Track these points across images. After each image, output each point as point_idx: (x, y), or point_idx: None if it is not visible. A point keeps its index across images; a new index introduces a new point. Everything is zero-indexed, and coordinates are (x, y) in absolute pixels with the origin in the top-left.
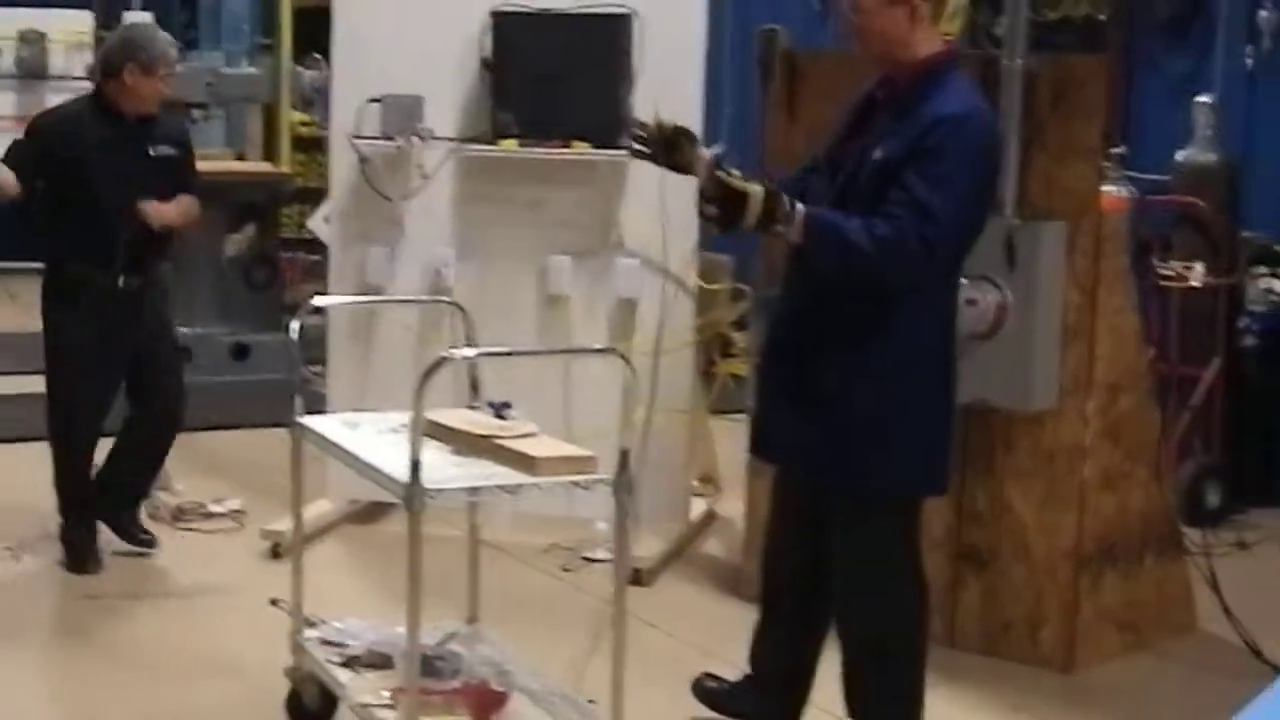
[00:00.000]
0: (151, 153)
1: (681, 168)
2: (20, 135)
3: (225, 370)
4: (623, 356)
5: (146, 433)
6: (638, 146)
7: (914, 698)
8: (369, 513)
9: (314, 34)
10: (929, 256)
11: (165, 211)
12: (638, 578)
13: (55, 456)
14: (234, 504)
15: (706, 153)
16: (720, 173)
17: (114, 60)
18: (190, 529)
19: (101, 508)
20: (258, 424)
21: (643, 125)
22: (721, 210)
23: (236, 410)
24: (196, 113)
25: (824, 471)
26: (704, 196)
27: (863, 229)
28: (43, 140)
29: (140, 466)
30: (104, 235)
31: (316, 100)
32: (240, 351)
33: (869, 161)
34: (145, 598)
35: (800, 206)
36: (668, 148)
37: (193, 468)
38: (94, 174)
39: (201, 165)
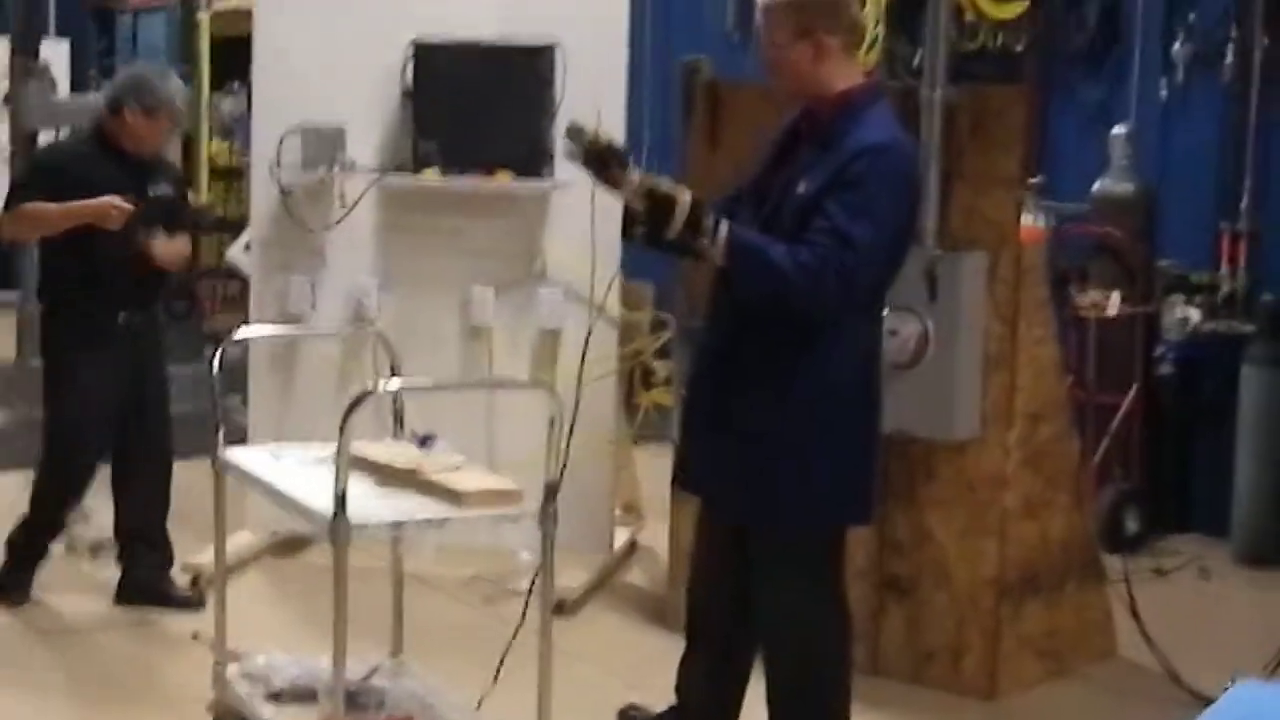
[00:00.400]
0: (151, 192)
1: (610, 182)
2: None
3: None
4: (551, 390)
5: (144, 480)
6: (572, 147)
7: None
8: (290, 544)
9: (232, 63)
10: (848, 286)
11: (170, 250)
12: (561, 608)
13: (43, 491)
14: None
15: (636, 176)
16: (647, 177)
17: (117, 97)
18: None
19: (138, 574)
20: (176, 455)
21: (580, 131)
22: (648, 215)
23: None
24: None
25: (746, 505)
26: (631, 216)
27: (786, 254)
28: (50, 179)
29: (153, 516)
30: (108, 273)
31: (235, 129)
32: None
33: (792, 195)
34: (67, 631)
35: (725, 224)
36: (600, 162)
37: (111, 500)
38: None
39: None
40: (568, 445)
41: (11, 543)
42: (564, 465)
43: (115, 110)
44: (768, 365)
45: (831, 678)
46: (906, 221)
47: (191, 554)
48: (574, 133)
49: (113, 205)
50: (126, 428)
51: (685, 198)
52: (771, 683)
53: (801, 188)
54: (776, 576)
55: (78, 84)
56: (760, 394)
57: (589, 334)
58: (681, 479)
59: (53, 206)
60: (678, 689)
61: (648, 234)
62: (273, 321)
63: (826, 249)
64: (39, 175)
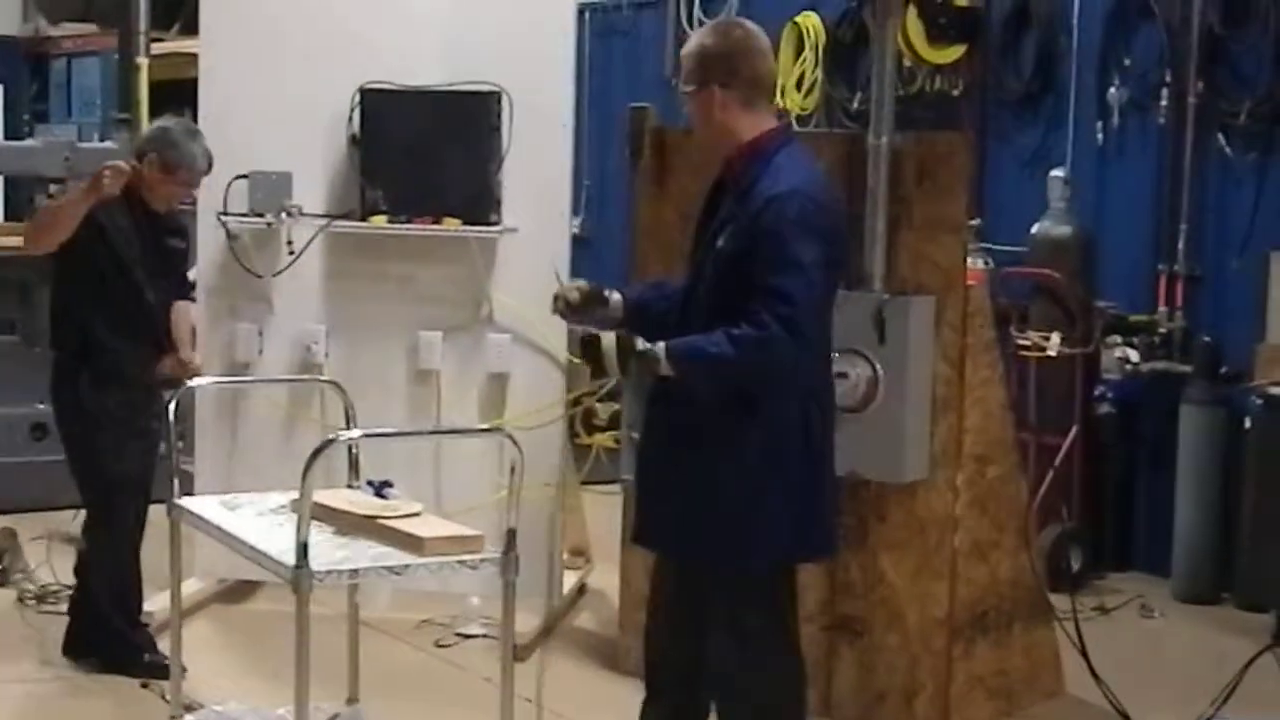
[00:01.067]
0: (167, 244)
1: (603, 324)
2: None
3: None
4: (510, 437)
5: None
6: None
7: None
8: (237, 591)
9: (171, 107)
10: (795, 337)
11: (193, 360)
12: (514, 653)
13: (94, 555)
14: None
15: (618, 299)
16: (565, 311)
17: (141, 148)
18: (56, 612)
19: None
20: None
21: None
22: (589, 362)
23: None
24: (54, 187)
25: (699, 547)
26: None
27: (724, 339)
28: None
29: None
30: (129, 320)
31: None
32: None
33: (714, 250)
34: (16, 681)
35: (660, 344)
36: (582, 313)
37: (52, 549)
38: (119, 258)
39: None
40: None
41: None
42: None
43: (139, 159)
44: (713, 418)
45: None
46: (828, 259)
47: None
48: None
49: (106, 170)
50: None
51: (610, 336)
52: None
53: (720, 242)
54: (730, 623)
55: (10, 129)
56: (710, 441)
57: (536, 379)
58: (639, 537)
59: (61, 200)
60: None
61: (594, 375)
62: (220, 369)
63: (763, 312)
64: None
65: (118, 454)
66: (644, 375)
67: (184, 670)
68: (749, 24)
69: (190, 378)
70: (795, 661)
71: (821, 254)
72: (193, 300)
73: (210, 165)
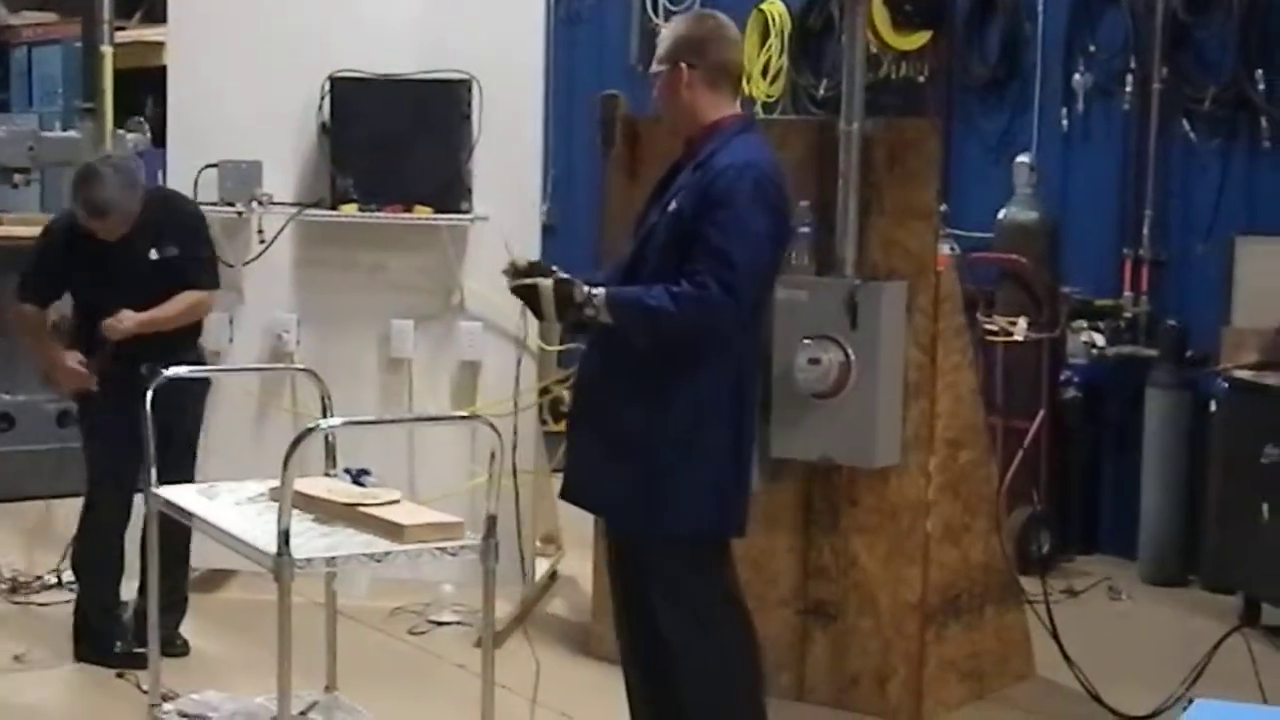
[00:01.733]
0: (154, 255)
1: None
2: None
3: (50, 438)
4: (491, 424)
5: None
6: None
7: None
8: (209, 580)
9: (135, 96)
10: (733, 299)
11: (119, 324)
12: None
13: (80, 547)
14: (70, 576)
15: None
16: (513, 275)
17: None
18: (28, 602)
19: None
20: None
21: (511, 265)
22: (526, 304)
23: (65, 478)
24: (18, 177)
25: (628, 514)
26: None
27: (664, 293)
28: (53, 260)
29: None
30: (90, 329)
31: (141, 166)
32: (66, 418)
33: (665, 213)
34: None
35: (600, 289)
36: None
37: (24, 538)
38: (86, 280)
39: (20, 230)
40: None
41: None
42: (489, 496)
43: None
44: (638, 384)
45: (741, 690)
46: (776, 233)
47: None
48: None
49: (70, 372)
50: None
51: (546, 282)
52: (684, 701)
53: (673, 205)
54: (666, 593)
55: None
56: (637, 408)
57: (510, 366)
58: (567, 493)
59: (29, 333)
60: (631, 713)
61: (536, 317)
62: None
63: (704, 273)
64: (46, 260)
65: (97, 446)
66: (580, 319)
67: (185, 645)
68: (722, 16)
69: (115, 337)
70: (743, 629)
71: (771, 227)
72: (204, 288)
73: (98, 211)
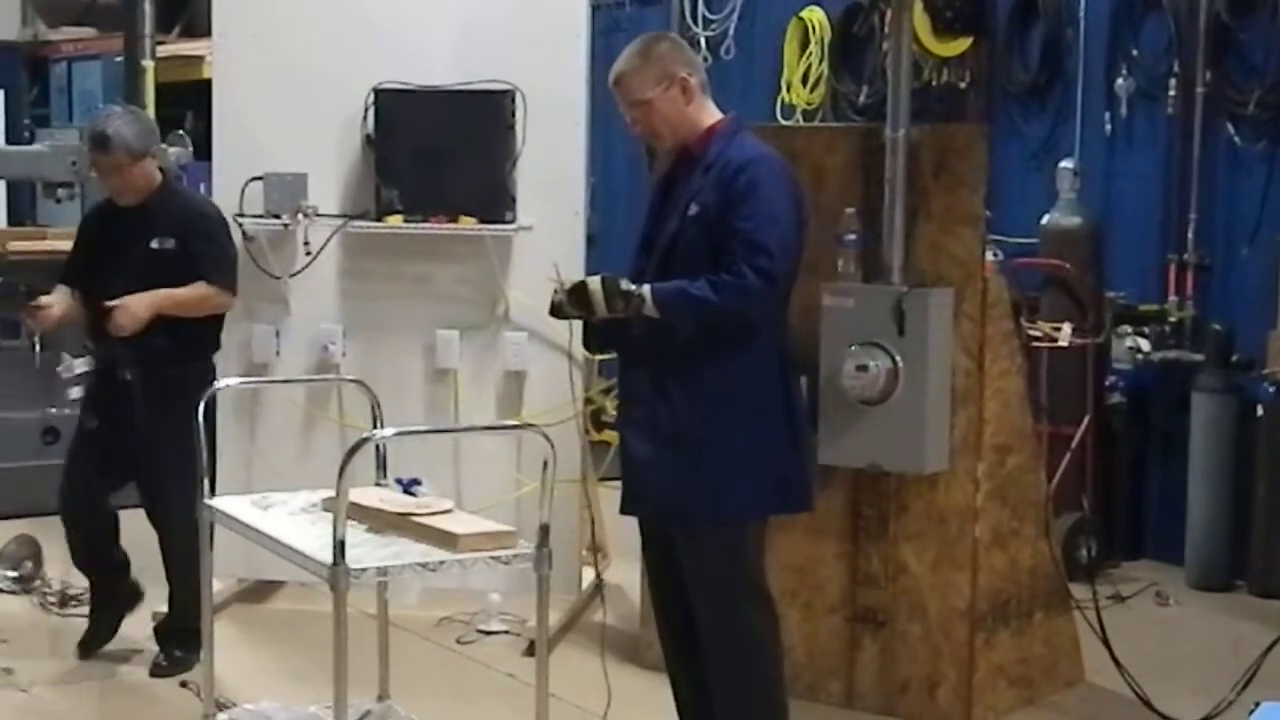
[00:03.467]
0: (154, 245)
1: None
2: None
3: None
4: (544, 434)
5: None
6: (569, 309)
7: None
8: (257, 591)
9: (175, 110)
10: (772, 286)
11: (124, 316)
12: (533, 649)
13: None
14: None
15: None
16: (558, 279)
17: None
18: (80, 615)
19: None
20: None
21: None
22: (576, 307)
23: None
24: (61, 192)
25: (687, 517)
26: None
27: (706, 285)
28: (85, 230)
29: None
30: (97, 329)
31: (182, 177)
32: None
33: (686, 220)
34: (51, 684)
35: (644, 287)
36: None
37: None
38: (97, 269)
39: (64, 244)
40: (543, 487)
41: None
42: (541, 505)
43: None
44: (690, 377)
45: (763, 671)
46: (799, 218)
47: (159, 603)
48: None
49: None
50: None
51: (595, 280)
52: (710, 686)
53: (694, 209)
54: (705, 575)
55: (11, 134)
56: (688, 404)
57: (556, 375)
58: (629, 504)
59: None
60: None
61: (584, 320)
62: (237, 370)
63: (742, 263)
64: (78, 241)
65: (73, 458)
66: (628, 312)
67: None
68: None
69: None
70: (774, 617)
71: (794, 212)
72: (212, 283)
73: (100, 142)
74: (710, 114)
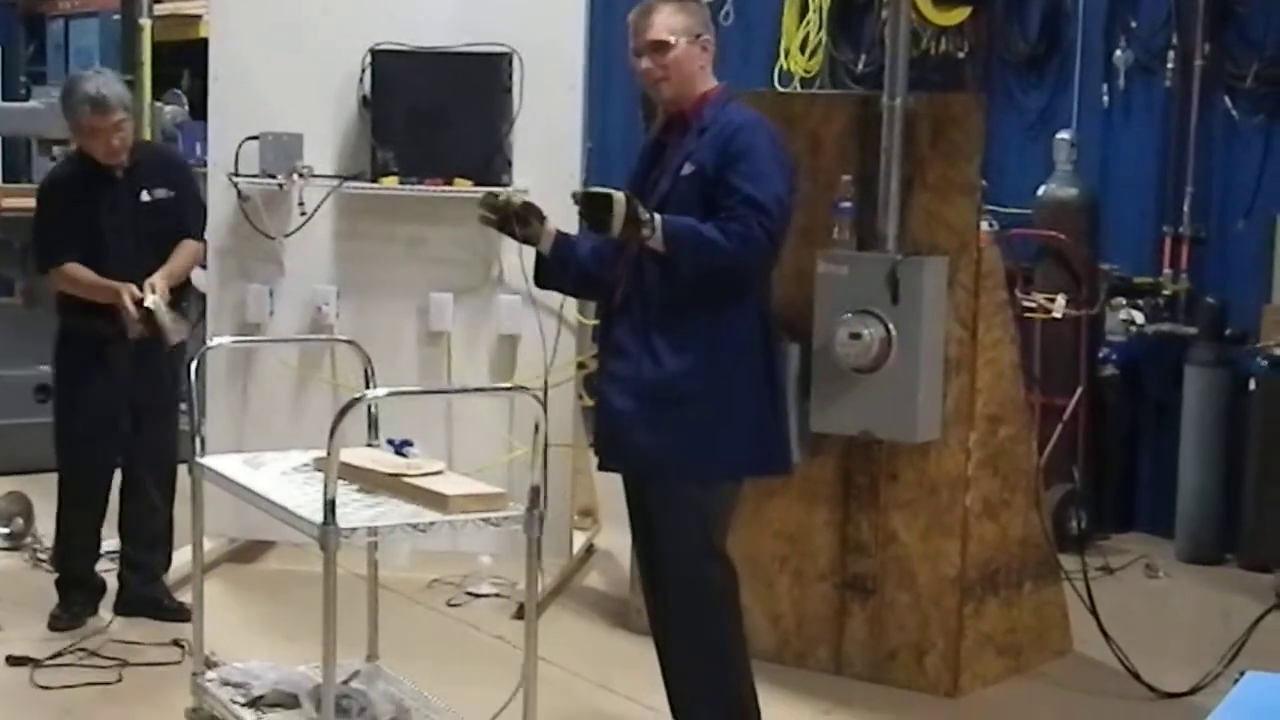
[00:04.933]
0: (145, 197)
1: (529, 239)
2: None
3: None
4: (536, 396)
5: (144, 488)
6: (486, 214)
7: (737, 700)
8: (248, 551)
9: (172, 69)
10: (772, 243)
11: (155, 290)
12: (522, 612)
13: (59, 510)
14: (109, 545)
15: (553, 228)
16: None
17: (61, 112)
18: None
19: (131, 585)
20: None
21: (494, 196)
22: (591, 216)
23: None
24: (56, 149)
25: (647, 459)
26: (544, 262)
27: (715, 228)
28: (62, 217)
29: (140, 527)
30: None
31: (178, 136)
32: None
33: (679, 179)
34: (39, 640)
35: (658, 215)
36: (519, 221)
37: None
38: (91, 231)
39: None
40: (533, 451)
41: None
42: (529, 468)
43: (69, 125)
44: (674, 331)
45: (728, 633)
46: (791, 183)
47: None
48: (489, 202)
49: (126, 295)
50: (132, 439)
51: (621, 195)
52: (669, 644)
53: (688, 168)
54: (672, 529)
55: (8, 91)
56: (670, 358)
57: (548, 339)
58: (605, 457)
59: (86, 277)
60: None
61: (595, 231)
62: (231, 330)
63: (746, 217)
64: (54, 219)
65: (70, 413)
66: (635, 238)
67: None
68: None
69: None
70: (729, 569)
71: (788, 176)
72: (196, 237)
73: (101, 103)
74: (709, 83)
